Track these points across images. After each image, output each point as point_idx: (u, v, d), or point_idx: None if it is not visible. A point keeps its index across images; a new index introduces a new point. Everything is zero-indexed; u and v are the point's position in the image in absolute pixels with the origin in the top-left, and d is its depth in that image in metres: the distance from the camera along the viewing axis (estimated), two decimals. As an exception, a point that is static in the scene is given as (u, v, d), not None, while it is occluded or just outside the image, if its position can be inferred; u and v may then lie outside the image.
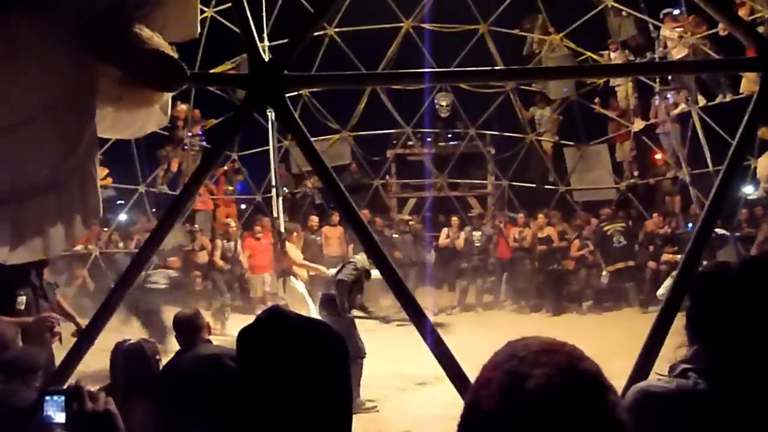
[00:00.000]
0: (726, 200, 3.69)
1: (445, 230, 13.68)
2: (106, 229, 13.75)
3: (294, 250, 10.86)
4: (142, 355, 3.97)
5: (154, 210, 13.85)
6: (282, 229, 10.30)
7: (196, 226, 13.29)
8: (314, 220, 13.75)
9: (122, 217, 14.61)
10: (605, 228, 12.55)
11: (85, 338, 3.69)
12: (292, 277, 10.45)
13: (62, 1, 3.13)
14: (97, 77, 3.20)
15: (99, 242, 13.25)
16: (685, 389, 1.64)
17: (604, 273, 12.27)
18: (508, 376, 0.94)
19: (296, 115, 3.78)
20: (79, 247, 12.70)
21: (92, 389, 1.71)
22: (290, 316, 1.41)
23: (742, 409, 1.57)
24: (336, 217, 13.31)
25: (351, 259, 7.91)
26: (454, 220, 13.71)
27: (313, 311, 8.91)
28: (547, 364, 0.93)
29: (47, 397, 1.80)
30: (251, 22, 3.73)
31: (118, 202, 14.59)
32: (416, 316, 3.38)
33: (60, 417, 1.77)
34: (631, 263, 12.32)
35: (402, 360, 8.54)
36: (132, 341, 4.10)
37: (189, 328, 4.30)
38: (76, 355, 3.58)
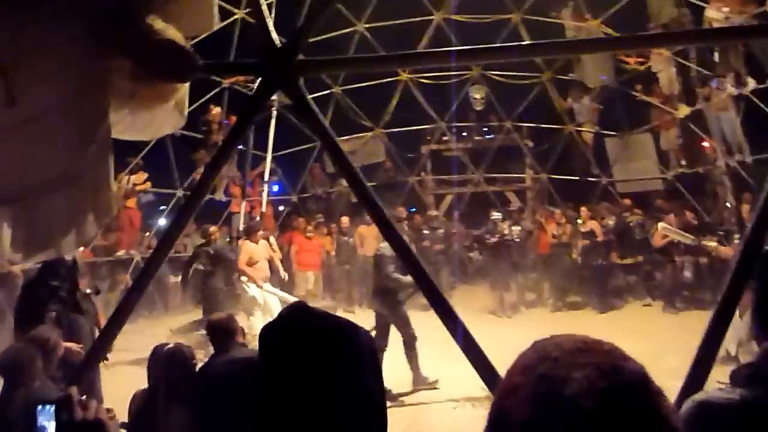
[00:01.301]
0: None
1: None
2: (147, 233, 13.87)
3: (247, 251, 10.30)
4: (182, 359, 4.02)
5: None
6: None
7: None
8: (345, 220, 13.55)
9: (162, 221, 14.75)
10: (628, 219, 12.34)
11: (100, 345, 3.63)
12: (242, 279, 10.08)
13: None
14: (110, 74, 3.17)
15: (140, 247, 13.37)
16: (752, 401, 1.43)
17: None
18: (542, 380, 0.84)
19: (310, 101, 3.57)
20: (120, 253, 12.87)
21: (82, 397, 1.64)
22: (314, 313, 1.33)
23: None
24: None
25: (381, 252, 7.90)
26: (496, 215, 13.01)
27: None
28: (587, 365, 0.83)
29: (40, 407, 1.77)
30: (264, 6, 3.65)
31: (161, 207, 14.73)
32: (446, 315, 3.31)
33: (52, 427, 1.74)
34: (639, 258, 12.16)
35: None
36: (170, 345, 4.12)
37: (223, 332, 4.29)
38: (93, 360, 3.53)
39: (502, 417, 0.86)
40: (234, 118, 14.05)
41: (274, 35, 3.58)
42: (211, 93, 13.18)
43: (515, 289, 12.57)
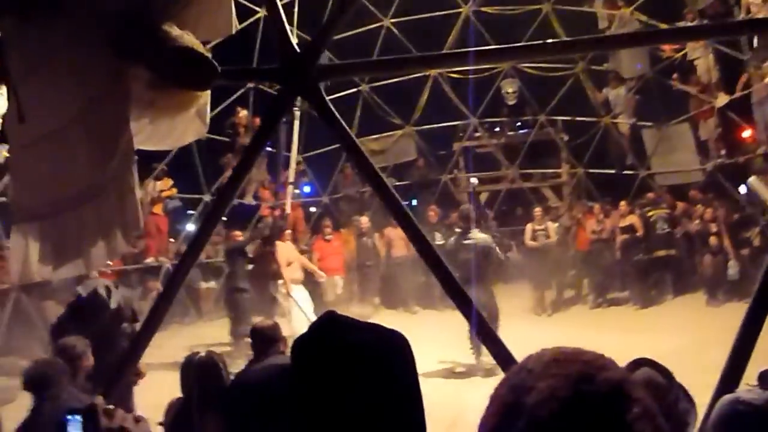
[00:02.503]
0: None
1: (529, 226, 12.55)
2: (172, 240, 13.75)
3: (285, 251, 10.15)
4: (214, 367, 4.04)
5: (222, 219, 13.78)
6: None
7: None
8: (364, 221, 13.26)
9: (190, 227, 14.63)
10: (649, 213, 12.12)
11: (131, 355, 3.54)
12: (280, 282, 9.90)
13: (89, 6, 3.04)
14: (128, 83, 3.10)
15: (169, 254, 13.25)
16: None
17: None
18: (510, 390, 0.85)
19: (332, 107, 3.54)
20: (150, 260, 12.77)
21: (109, 407, 1.68)
22: (348, 323, 1.27)
23: None
24: None
25: (488, 245, 8.73)
26: (537, 211, 12.66)
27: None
28: (556, 375, 0.82)
29: (69, 417, 1.77)
30: (282, 12, 3.59)
31: (188, 212, 14.62)
32: (467, 311, 3.37)
33: None
34: (672, 252, 11.87)
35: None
36: (202, 354, 4.13)
37: (266, 339, 4.28)
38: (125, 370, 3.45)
39: (479, 428, 0.87)
40: (257, 120, 13.96)
41: (294, 40, 3.50)
42: (236, 94, 13.00)
43: (554, 287, 12.31)
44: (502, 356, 3.08)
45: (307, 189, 16.03)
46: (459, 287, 3.40)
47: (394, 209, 3.53)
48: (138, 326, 6.08)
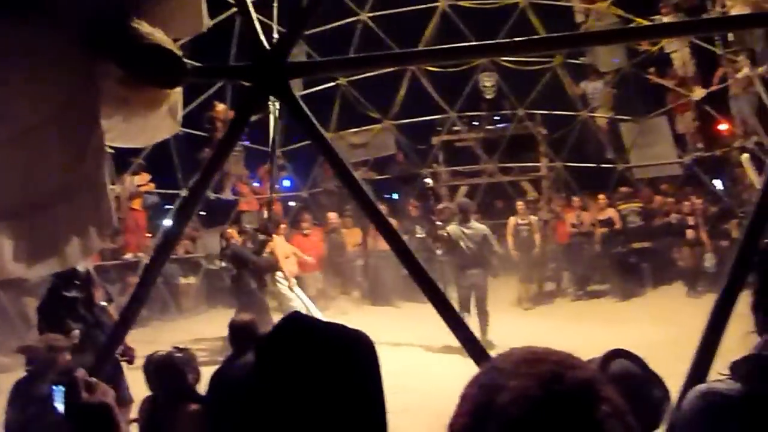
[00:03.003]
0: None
1: (512, 219, 12.45)
2: (150, 235, 13.59)
3: (283, 245, 10.25)
4: (172, 367, 4.08)
5: (199, 214, 13.65)
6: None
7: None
8: (332, 216, 13.38)
9: (167, 222, 14.46)
10: (620, 207, 12.33)
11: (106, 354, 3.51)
12: (279, 275, 9.88)
13: (57, 5, 2.95)
14: (98, 80, 3.05)
15: (148, 249, 13.08)
16: (753, 394, 1.47)
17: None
18: (481, 390, 0.86)
19: (302, 104, 3.50)
20: (128, 255, 12.64)
21: (91, 379, 1.67)
22: (312, 323, 1.28)
23: None
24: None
25: (486, 233, 9.62)
26: (520, 205, 12.57)
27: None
28: (527, 374, 0.83)
29: (54, 388, 1.81)
30: (251, 8, 3.53)
31: (166, 207, 14.45)
32: (443, 308, 3.27)
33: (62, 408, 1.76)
34: (647, 244, 12.04)
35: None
36: (162, 353, 4.19)
37: (244, 335, 4.34)
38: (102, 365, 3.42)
39: (450, 428, 0.88)
40: (232, 113, 13.82)
41: (275, 35, 3.45)
42: (214, 88, 12.85)
43: (535, 280, 12.38)
44: (476, 352, 3.06)
45: (286, 183, 15.94)
46: (433, 283, 3.34)
47: (364, 205, 3.45)
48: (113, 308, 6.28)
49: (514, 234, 12.14)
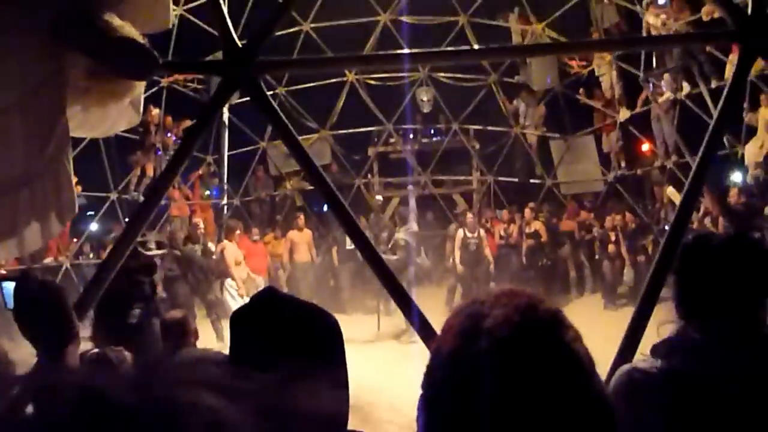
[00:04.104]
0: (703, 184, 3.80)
1: (459, 232, 12.11)
2: (75, 239, 13.17)
3: (233, 251, 10.17)
4: (107, 364, 3.88)
5: (127, 219, 13.28)
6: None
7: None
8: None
9: (93, 226, 14.04)
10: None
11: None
12: (228, 282, 9.82)
13: None
14: (66, 69, 3.13)
15: (69, 254, 12.67)
16: (671, 369, 1.65)
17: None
18: (467, 318, 0.97)
19: (272, 101, 3.61)
20: (49, 260, 12.18)
21: (46, 278, 1.73)
22: (284, 298, 1.39)
23: (728, 388, 1.57)
24: (302, 221, 12.83)
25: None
26: (469, 217, 12.33)
27: None
28: (507, 304, 0.96)
29: (3, 284, 1.85)
30: (224, 6, 3.61)
31: (88, 213, 14.01)
32: (405, 307, 3.48)
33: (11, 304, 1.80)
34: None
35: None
36: (95, 351, 4.02)
37: (177, 332, 4.29)
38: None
39: (437, 351, 0.98)
40: (170, 118, 13.59)
41: (234, 35, 3.52)
42: (148, 92, 12.59)
43: (463, 290, 12.54)
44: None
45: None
46: (400, 286, 3.53)
47: (333, 205, 3.61)
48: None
49: (462, 248, 11.95)
